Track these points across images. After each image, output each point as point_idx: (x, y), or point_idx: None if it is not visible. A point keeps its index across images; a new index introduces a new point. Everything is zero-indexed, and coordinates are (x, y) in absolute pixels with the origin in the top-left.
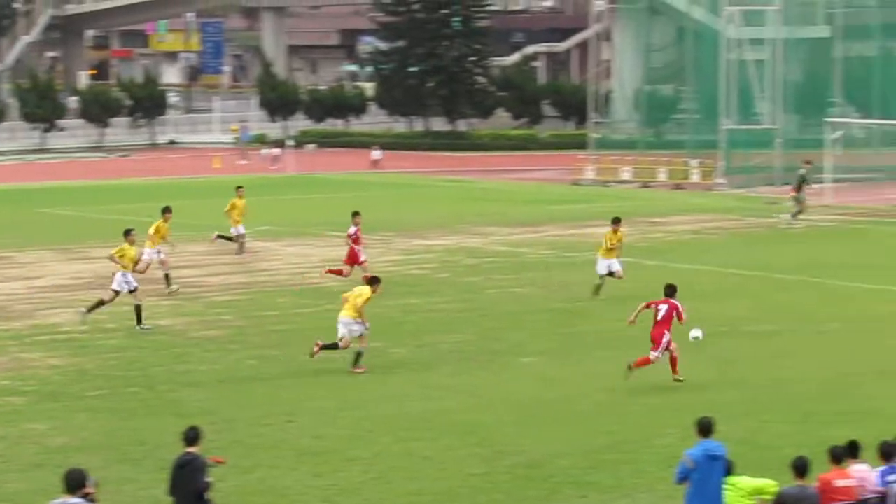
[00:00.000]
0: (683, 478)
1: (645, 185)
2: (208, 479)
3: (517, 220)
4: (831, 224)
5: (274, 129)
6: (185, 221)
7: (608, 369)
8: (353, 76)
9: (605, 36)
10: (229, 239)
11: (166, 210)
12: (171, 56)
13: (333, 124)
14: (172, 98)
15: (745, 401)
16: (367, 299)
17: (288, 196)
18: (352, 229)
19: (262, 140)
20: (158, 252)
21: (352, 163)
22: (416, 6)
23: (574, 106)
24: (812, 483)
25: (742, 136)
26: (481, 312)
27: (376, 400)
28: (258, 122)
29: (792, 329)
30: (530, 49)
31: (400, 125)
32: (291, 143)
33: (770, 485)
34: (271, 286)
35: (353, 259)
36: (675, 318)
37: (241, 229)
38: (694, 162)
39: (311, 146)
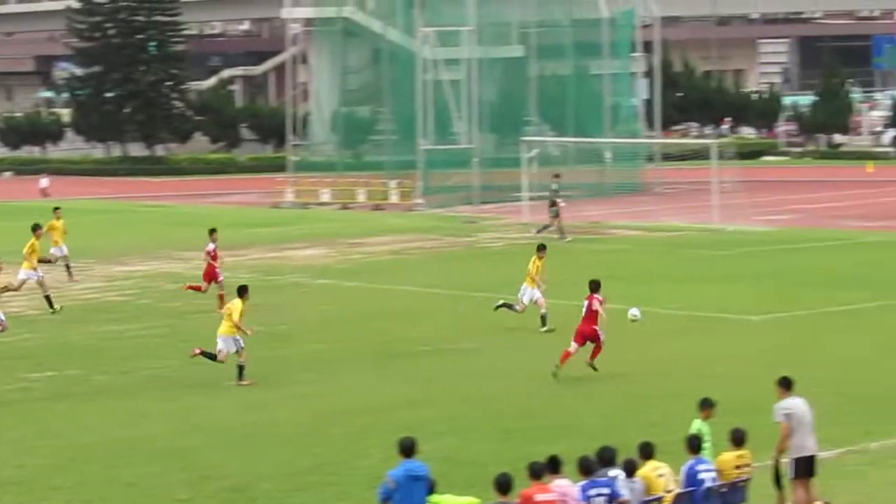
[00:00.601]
0: (386, 498)
1: (345, 207)
2: None
3: (218, 244)
4: (530, 242)
5: None
6: None
7: (313, 391)
8: (50, 102)
9: (302, 58)
10: (48, 262)
11: (36, 227)
12: None
13: (31, 151)
14: None
15: (447, 419)
16: (242, 312)
17: None
18: (210, 246)
19: None
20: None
21: (23, 190)
22: (111, 31)
23: (272, 129)
24: (514, 500)
25: (440, 156)
26: (183, 338)
27: (78, 428)
28: None
29: (492, 346)
30: (227, 73)
31: (98, 151)
32: None
33: (473, 502)
34: None
35: (210, 276)
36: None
37: (64, 249)
38: (393, 183)
39: (8, 174)
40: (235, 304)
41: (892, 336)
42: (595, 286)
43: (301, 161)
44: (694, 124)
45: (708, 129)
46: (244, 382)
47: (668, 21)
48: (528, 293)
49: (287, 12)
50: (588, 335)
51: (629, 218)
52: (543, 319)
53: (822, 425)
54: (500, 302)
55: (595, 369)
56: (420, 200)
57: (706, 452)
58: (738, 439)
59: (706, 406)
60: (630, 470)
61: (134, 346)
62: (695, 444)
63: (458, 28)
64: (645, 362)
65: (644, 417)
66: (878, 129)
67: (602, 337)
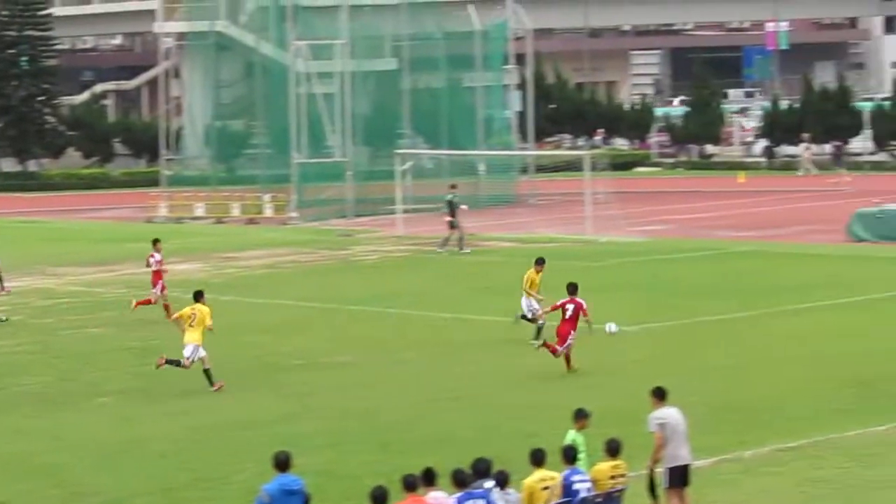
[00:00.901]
0: None
1: (219, 221)
2: None
3: (91, 259)
4: (404, 254)
5: None
6: None
7: (187, 406)
8: None
9: (175, 72)
10: None
11: None
12: None
13: None
14: None
15: (324, 432)
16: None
17: None
18: (157, 256)
19: None
20: None
21: None
22: None
23: (145, 143)
24: None
25: (314, 169)
26: (56, 354)
27: None
28: None
29: (368, 359)
30: (99, 87)
31: None
32: None
33: None
34: None
35: (157, 284)
36: (580, 315)
37: None
38: (267, 197)
39: None
40: (204, 310)
41: (762, 345)
42: (573, 289)
43: (175, 175)
44: (567, 136)
45: (581, 141)
46: (215, 387)
47: (541, 33)
48: (526, 304)
49: (159, 26)
50: (566, 336)
51: (504, 230)
52: (539, 331)
53: (695, 434)
54: (520, 314)
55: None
56: (294, 214)
57: (581, 463)
58: (613, 450)
59: (581, 416)
60: (503, 482)
61: (5, 362)
62: (570, 455)
63: (331, 41)
64: (519, 373)
65: (519, 429)
66: (749, 139)
67: (572, 339)
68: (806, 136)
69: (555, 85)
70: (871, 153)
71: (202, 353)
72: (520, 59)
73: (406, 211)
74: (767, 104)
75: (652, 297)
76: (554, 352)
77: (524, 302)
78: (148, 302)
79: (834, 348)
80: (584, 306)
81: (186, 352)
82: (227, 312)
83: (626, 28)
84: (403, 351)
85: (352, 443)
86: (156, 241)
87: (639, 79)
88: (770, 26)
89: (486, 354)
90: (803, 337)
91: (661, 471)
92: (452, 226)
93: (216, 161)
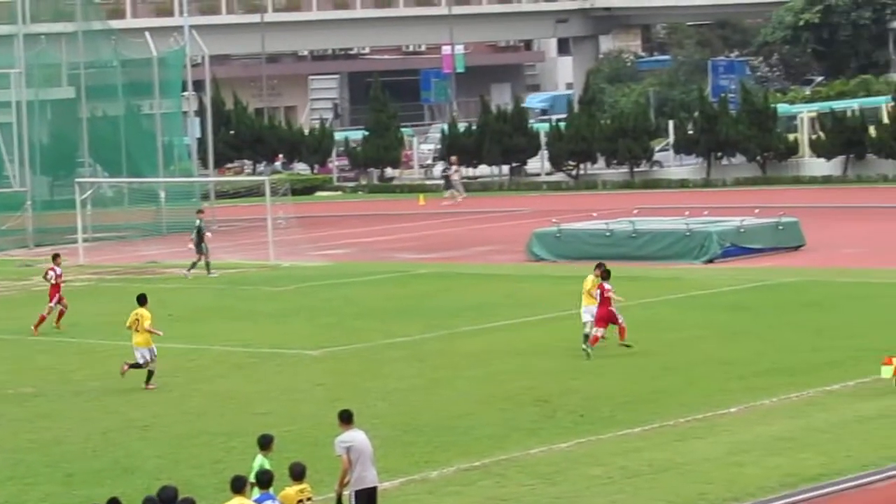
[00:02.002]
0: None
1: None
2: None
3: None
4: (86, 283)
5: None
6: None
7: None
8: None
9: None
10: None
11: None
12: None
13: None
14: None
15: (6, 464)
16: (149, 318)
17: None
18: (58, 270)
19: None
20: None
21: None
22: None
23: None
24: None
25: None
26: None
27: None
28: None
29: (52, 390)
30: None
31: None
32: None
33: None
34: None
35: (54, 297)
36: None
37: None
38: None
39: None
40: (144, 314)
41: (447, 365)
42: (606, 274)
43: None
44: (248, 161)
45: (261, 166)
46: (151, 386)
47: (219, 59)
48: (588, 311)
49: None
50: (607, 317)
51: (186, 257)
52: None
53: (382, 457)
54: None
55: (629, 346)
56: None
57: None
58: (297, 473)
59: (267, 441)
60: None
61: None
62: (264, 480)
63: (6, 70)
64: (205, 401)
65: (207, 455)
66: (429, 162)
67: (620, 317)
68: (453, 158)
69: (234, 111)
70: (549, 174)
71: (149, 355)
72: (198, 85)
73: (87, 240)
74: (445, 127)
75: (336, 320)
76: (596, 341)
77: (585, 310)
78: (42, 319)
79: (516, 367)
80: (609, 292)
81: (137, 355)
82: None
83: (304, 53)
84: (88, 381)
85: (34, 475)
86: (56, 256)
87: (318, 103)
88: (446, 49)
89: (173, 381)
90: (486, 357)
91: (348, 493)
92: (200, 251)
93: None
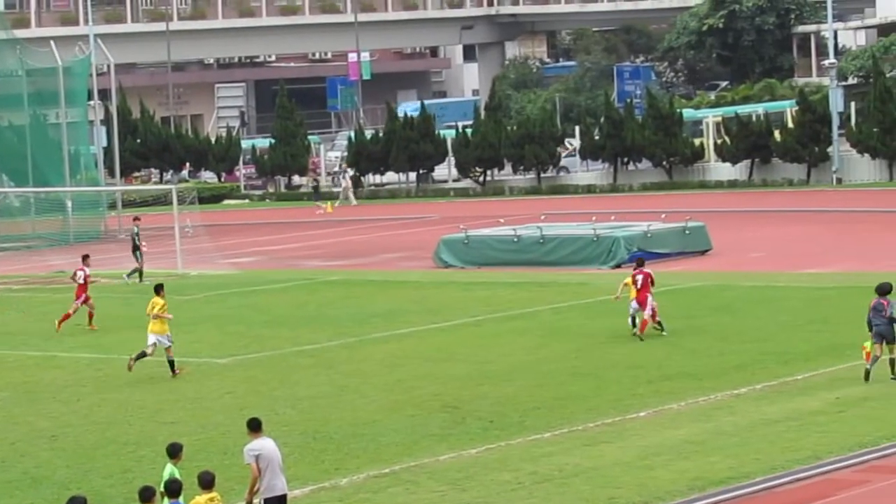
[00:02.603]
0: None
1: None
2: None
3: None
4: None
5: None
6: None
7: None
8: None
9: None
10: None
11: None
12: None
13: None
14: None
15: None
16: (163, 305)
17: None
18: (87, 270)
19: None
20: None
21: None
22: None
23: None
24: None
25: None
26: None
27: None
28: None
29: None
30: None
31: None
32: None
33: None
34: None
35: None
36: (650, 283)
37: None
38: None
39: None
40: (157, 301)
41: (356, 372)
42: (641, 261)
43: None
44: (155, 170)
45: (168, 175)
46: (177, 372)
47: (125, 68)
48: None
49: None
50: (645, 300)
51: (93, 265)
52: (660, 324)
53: (291, 464)
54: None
55: (641, 339)
56: None
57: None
58: (206, 482)
59: (176, 450)
60: None
61: None
62: (173, 489)
63: None
64: (112, 411)
65: (116, 465)
66: (336, 169)
67: (651, 304)
68: (345, 164)
69: (140, 119)
70: (456, 180)
71: (166, 342)
72: (104, 94)
73: None
74: (352, 134)
75: (244, 329)
76: (645, 325)
77: (632, 306)
78: (67, 317)
79: (425, 374)
80: (652, 276)
81: (151, 340)
82: None
83: (210, 61)
84: None
85: None
86: (86, 257)
87: (225, 111)
88: (352, 57)
89: (81, 391)
90: (395, 363)
91: (258, 502)
92: (137, 258)
93: None
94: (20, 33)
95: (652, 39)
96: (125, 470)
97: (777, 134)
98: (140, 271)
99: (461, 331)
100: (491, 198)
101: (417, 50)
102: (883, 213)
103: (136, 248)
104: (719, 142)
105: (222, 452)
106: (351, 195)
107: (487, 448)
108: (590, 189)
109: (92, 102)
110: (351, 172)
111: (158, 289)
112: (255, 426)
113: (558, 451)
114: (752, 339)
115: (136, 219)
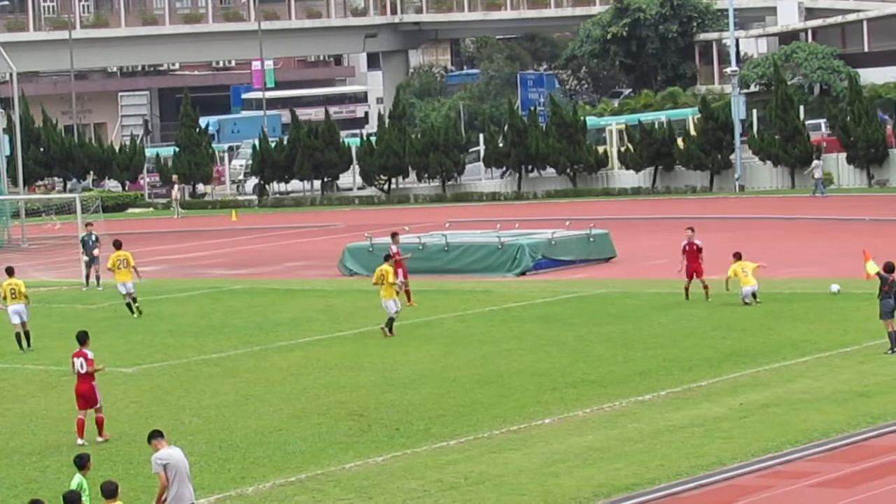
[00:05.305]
0: None
1: None
2: None
3: None
4: None
5: None
6: None
7: None
8: None
9: None
10: None
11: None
12: None
13: None
14: None
15: None
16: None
17: None
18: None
19: None
20: None
21: None
22: None
23: None
24: None
25: None
26: None
27: None
28: None
29: None
30: None
31: None
32: None
33: None
34: None
35: None
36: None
37: None
38: None
39: None
40: (124, 254)
41: (261, 380)
42: (693, 232)
43: None
44: (58, 179)
45: (72, 184)
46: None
47: (27, 76)
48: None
49: None
50: (696, 270)
51: None
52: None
53: (198, 473)
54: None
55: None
56: None
57: None
58: (110, 492)
59: (83, 462)
60: None
61: None
62: (72, 499)
63: None
64: (15, 420)
65: (20, 475)
66: (241, 177)
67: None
68: (175, 177)
69: (43, 128)
70: (361, 188)
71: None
72: (6, 103)
73: None
74: (256, 142)
75: (149, 338)
76: (707, 287)
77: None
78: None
79: (330, 382)
80: (700, 244)
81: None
82: None
83: (114, 69)
84: None
85: None
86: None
87: (128, 120)
88: (256, 65)
89: None
90: (300, 371)
91: None
92: (87, 264)
93: None
94: None
95: (555, 47)
96: (30, 480)
97: (680, 141)
98: (97, 277)
99: (366, 339)
100: (396, 206)
101: (321, 58)
102: (785, 220)
103: (89, 255)
104: (623, 149)
105: (128, 462)
106: (177, 206)
107: (393, 456)
108: (494, 197)
109: None
110: (178, 185)
111: (118, 244)
112: (162, 435)
113: (464, 459)
114: (657, 346)
115: (88, 225)
